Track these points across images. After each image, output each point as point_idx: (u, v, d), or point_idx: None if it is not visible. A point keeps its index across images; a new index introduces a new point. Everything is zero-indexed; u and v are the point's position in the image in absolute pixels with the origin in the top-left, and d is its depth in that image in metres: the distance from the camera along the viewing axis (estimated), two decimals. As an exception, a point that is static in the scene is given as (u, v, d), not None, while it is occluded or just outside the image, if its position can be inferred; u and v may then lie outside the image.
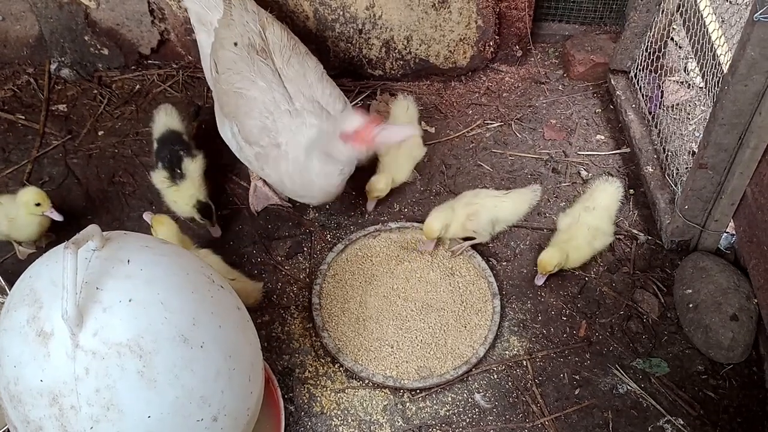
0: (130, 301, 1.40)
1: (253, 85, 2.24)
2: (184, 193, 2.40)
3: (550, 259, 2.27)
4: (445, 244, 2.45)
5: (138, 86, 3.06)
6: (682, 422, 2.05)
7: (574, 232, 2.34)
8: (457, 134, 2.89)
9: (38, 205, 2.27)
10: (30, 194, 2.27)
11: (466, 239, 2.44)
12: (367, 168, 2.60)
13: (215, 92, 2.44)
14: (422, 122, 2.78)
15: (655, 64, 2.81)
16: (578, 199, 2.48)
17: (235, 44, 2.30)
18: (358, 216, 2.61)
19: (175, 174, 2.41)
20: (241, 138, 2.30)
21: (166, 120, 2.55)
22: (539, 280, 2.33)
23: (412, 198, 2.65)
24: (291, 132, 2.19)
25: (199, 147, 2.55)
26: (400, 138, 2.06)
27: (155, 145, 2.51)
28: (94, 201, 2.63)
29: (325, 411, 2.08)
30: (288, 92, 2.24)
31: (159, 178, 2.44)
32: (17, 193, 2.30)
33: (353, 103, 2.97)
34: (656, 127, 2.76)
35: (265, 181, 2.52)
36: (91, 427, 1.38)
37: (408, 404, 2.11)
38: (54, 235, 2.42)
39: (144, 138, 2.85)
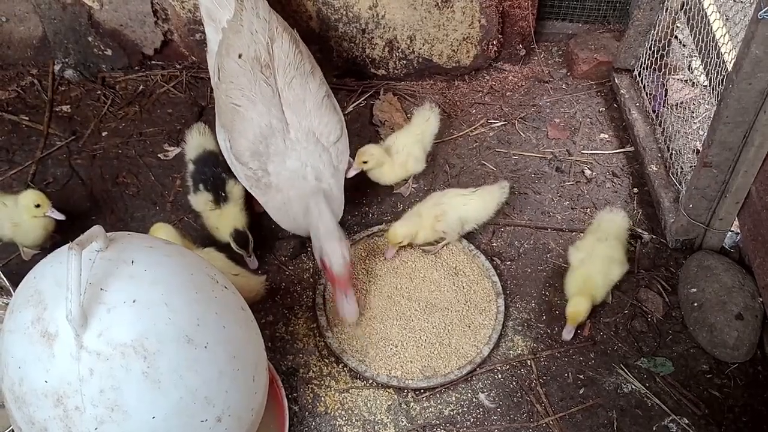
0: (134, 301, 1.40)
1: (252, 106, 2.21)
2: (227, 216, 2.33)
3: (579, 308, 2.17)
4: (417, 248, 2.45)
5: (141, 87, 3.06)
6: (687, 421, 2.05)
7: (589, 265, 2.25)
8: (461, 133, 2.89)
9: (38, 206, 2.27)
10: (29, 197, 2.27)
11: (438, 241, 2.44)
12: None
13: (216, 95, 2.43)
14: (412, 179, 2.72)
15: (659, 63, 2.81)
16: (586, 231, 2.40)
17: (240, 56, 2.27)
18: (361, 216, 2.60)
19: (220, 197, 2.35)
20: (233, 154, 2.29)
21: (201, 140, 2.46)
22: (568, 334, 2.22)
23: (416, 197, 2.65)
24: (282, 162, 2.21)
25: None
26: (350, 320, 2.14)
27: (191, 167, 2.43)
28: (98, 202, 2.63)
29: (329, 411, 2.09)
30: (285, 119, 2.23)
31: (201, 201, 2.36)
32: (18, 195, 2.31)
33: (355, 103, 2.97)
34: (660, 126, 2.76)
35: None
36: (96, 428, 1.38)
37: (412, 404, 2.11)
38: (59, 236, 2.42)
39: (147, 138, 2.85)
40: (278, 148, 2.20)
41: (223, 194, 2.36)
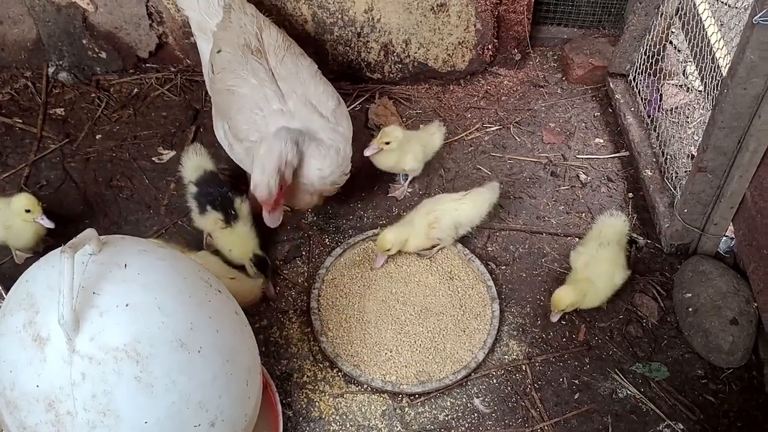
0: (126, 305, 1.39)
1: (245, 83, 2.25)
2: (239, 235, 2.31)
3: (564, 296, 2.18)
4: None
5: (136, 90, 3.05)
6: (682, 427, 2.05)
7: (593, 269, 2.24)
8: (456, 138, 2.89)
9: (28, 211, 2.25)
10: (20, 201, 2.26)
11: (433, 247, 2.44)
12: (363, 171, 2.60)
13: (212, 94, 2.45)
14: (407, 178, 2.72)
15: (653, 68, 2.81)
16: (587, 236, 2.39)
17: (219, 51, 2.34)
18: (356, 220, 2.60)
19: (230, 215, 2.32)
20: (232, 135, 2.30)
21: (200, 161, 2.43)
22: (554, 317, 2.26)
23: (411, 201, 2.65)
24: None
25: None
26: (273, 224, 2.21)
27: (192, 189, 2.40)
28: (92, 205, 2.62)
29: (323, 416, 2.08)
30: (281, 90, 2.24)
31: (211, 220, 2.33)
32: (11, 199, 2.29)
33: (351, 107, 2.97)
34: (655, 131, 2.76)
35: None
36: (88, 433, 1.37)
37: (407, 409, 2.10)
38: (51, 239, 2.41)
39: (142, 142, 2.84)
40: (276, 120, 2.20)
41: (232, 212, 2.34)
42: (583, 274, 2.24)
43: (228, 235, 2.32)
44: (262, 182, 2.07)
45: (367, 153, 2.50)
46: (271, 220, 2.19)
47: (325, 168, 2.20)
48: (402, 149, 2.55)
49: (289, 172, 2.12)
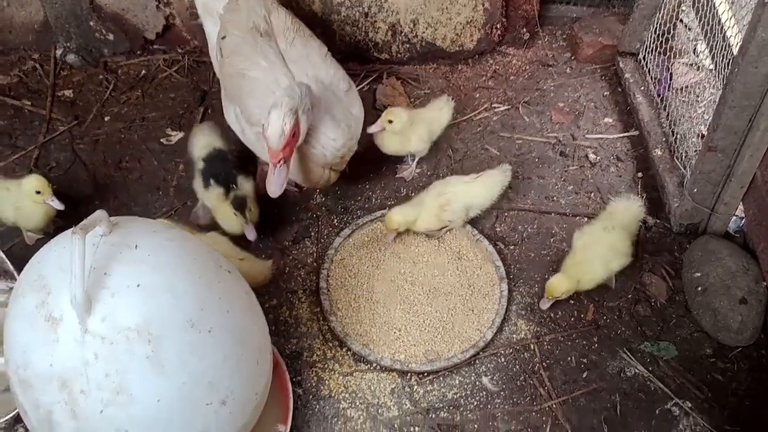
0: (138, 286, 1.40)
1: (256, 66, 2.23)
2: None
3: (558, 285, 2.17)
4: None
5: (144, 71, 3.05)
6: (689, 405, 2.05)
7: (590, 251, 2.22)
8: (464, 118, 2.87)
9: (39, 192, 2.27)
10: (31, 182, 2.27)
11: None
12: (371, 152, 2.60)
13: (221, 78, 2.43)
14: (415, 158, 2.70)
15: (664, 47, 2.78)
16: (597, 216, 2.37)
17: (224, 38, 2.31)
18: (365, 200, 2.60)
19: (231, 189, 2.34)
20: (243, 119, 2.29)
21: (209, 140, 2.46)
22: (544, 304, 2.25)
23: (419, 182, 2.64)
24: None
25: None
26: (272, 193, 2.07)
27: (200, 165, 2.42)
28: (101, 187, 2.63)
29: (333, 394, 2.09)
30: (291, 72, 2.23)
31: (213, 195, 2.35)
32: (22, 180, 2.30)
33: (358, 88, 2.96)
34: (665, 110, 2.74)
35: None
36: (101, 411, 1.39)
37: (416, 387, 2.11)
38: (61, 221, 2.42)
39: (150, 123, 2.84)
40: None
41: (234, 186, 2.35)
42: (581, 255, 2.22)
43: (226, 207, 2.33)
44: (276, 119, 1.97)
45: (371, 130, 2.49)
46: (275, 179, 2.02)
47: (338, 138, 2.19)
48: (404, 134, 2.54)
49: (304, 124, 2.04)
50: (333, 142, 2.19)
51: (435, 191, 2.40)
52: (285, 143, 1.99)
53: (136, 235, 1.48)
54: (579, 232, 2.31)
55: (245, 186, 2.37)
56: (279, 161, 2.02)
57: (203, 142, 2.47)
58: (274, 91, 2.18)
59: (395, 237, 2.40)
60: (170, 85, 3.00)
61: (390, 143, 2.56)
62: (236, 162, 2.44)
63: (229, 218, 2.32)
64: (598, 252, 2.22)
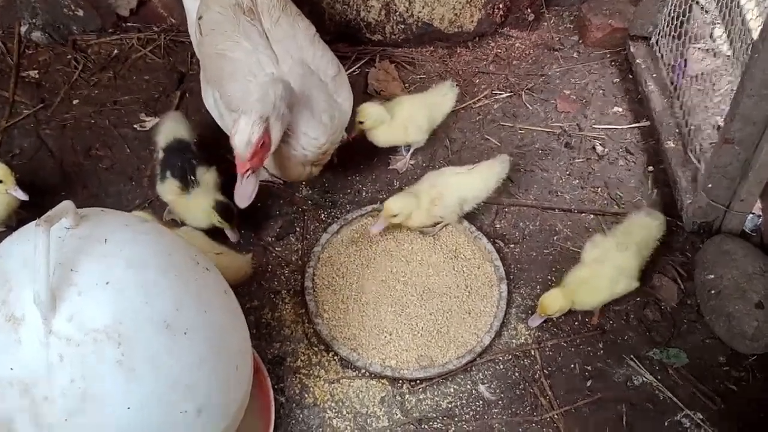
0: (107, 283, 1.39)
1: (237, 47, 2.22)
2: (196, 201, 2.31)
3: (552, 302, 2.14)
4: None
5: (116, 51, 3.03)
6: (701, 416, 2.06)
7: (600, 270, 2.19)
8: (463, 105, 2.87)
9: (0, 182, 2.25)
10: None
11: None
12: (362, 143, 2.59)
13: (200, 58, 2.43)
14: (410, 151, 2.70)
15: (678, 30, 2.79)
16: (613, 229, 2.33)
17: (200, 18, 2.31)
18: (354, 194, 2.60)
19: (189, 182, 2.33)
20: (223, 104, 2.28)
21: (174, 128, 2.46)
22: (534, 321, 2.22)
23: (414, 174, 2.64)
24: None
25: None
26: (240, 203, 2.07)
27: (161, 155, 2.43)
28: (69, 175, 2.62)
29: (318, 402, 2.09)
30: (275, 54, 2.22)
31: (169, 188, 2.35)
32: None
33: (349, 71, 2.95)
34: (679, 99, 2.75)
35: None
36: (66, 420, 1.38)
37: (407, 396, 2.11)
38: (25, 212, 2.41)
39: (123, 108, 2.83)
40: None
41: (192, 179, 2.34)
42: (589, 271, 2.19)
43: (185, 204, 2.33)
44: (244, 127, 1.95)
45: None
46: (243, 189, 2.02)
47: (320, 136, 2.19)
48: (399, 123, 2.53)
49: (277, 132, 2.02)
50: (314, 141, 2.18)
51: (427, 183, 2.40)
52: (252, 153, 1.98)
53: (106, 228, 1.47)
54: (591, 244, 2.26)
55: (205, 177, 2.37)
56: (246, 171, 2.01)
57: (166, 131, 2.47)
58: (256, 74, 2.17)
59: (385, 231, 2.39)
60: (145, 67, 2.99)
61: (381, 136, 2.56)
62: (198, 152, 2.43)
63: (190, 211, 2.32)
64: (606, 272, 2.18)
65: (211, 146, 2.52)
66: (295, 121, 2.12)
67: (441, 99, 2.64)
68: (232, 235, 2.36)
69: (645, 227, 2.29)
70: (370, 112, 2.49)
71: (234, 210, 2.29)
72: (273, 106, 1.99)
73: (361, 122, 2.50)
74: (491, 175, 2.43)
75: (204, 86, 2.44)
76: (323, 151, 2.24)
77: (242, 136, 1.95)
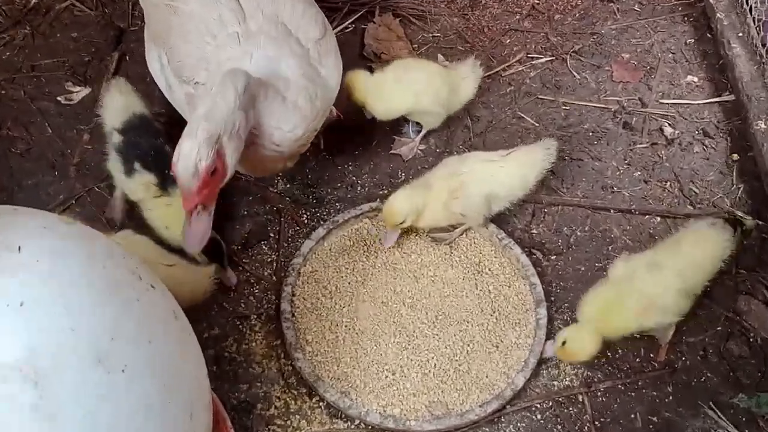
0: (21, 305, 1.39)
1: None
2: (178, 207, 2.22)
3: (575, 346, 2.13)
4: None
5: (34, 0, 3.03)
6: (801, 483, 2.07)
7: (621, 291, 2.17)
8: (489, 73, 2.88)
9: None
10: None
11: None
12: (356, 120, 2.60)
13: (143, 6, 2.42)
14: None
15: (772, -25, 2.79)
16: (661, 243, 2.30)
17: None
18: (346, 188, 2.60)
19: (167, 178, 2.31)
20: (171, 72, 2.27)
21: (126, 101, 2.44)
22: (548, 352, 2.22)
23: (423, 164, 2.65)
24: (236, 65, 2.16)
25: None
26: (190, 249, 2.08)
27: (116, 138, 2.40)
28: (-28, 163, 2.63)
29: (297, 463, 2.10)
30: (241, 7, 2.21)
31: (139, 185, 2.34)
32: None
33: (341, 28, 2.95)
34: (773, 66, 2.75)
35: None
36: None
37: (415, 454, 2.12)
38: None
39: (43, 75, 2.84)
40: (233, 50, 2.17)
41: (170, 173, 2.32)
42: (613, 292, 2.18)
43: (165, 207, 2.32)
44: (188, 153, 1.92)
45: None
46: (193, 230, 2.01)
47: (298, 126, 2.17)
48: (403, 85, 2.53)
49: (232, 151, 1.99)
50: (290, 135, 2.16)
51: (446, 170, 2.39)
52: (201, 185, 1.94)
53: (19, 232, 1.47)
54: (622, 260, 2.24)
55: None
56: (195, 208, 1.98)
57: (119, 104, 2.44)
58: (215, 34, 2.16)
59: (397, 238, 2.40)
60: (73, 21, 2.99)
61: (380, 104, 2.55)
62: (168, 133, 2.41)
63: (166, 220, 2.31)
64: (628, 298, 2.14)
65: (174, 126, 2.51)
66: (262, 114, 2.10)
67: (460, 83, 2.64)
68: (227, 278, 2.34)
69: (701, 243, 2.24)
70: (360, 80, 2.51)
71: (223, 246, 2.28)
72: (225, 121, 1.95)
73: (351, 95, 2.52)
74: (532, 164, 2.42)
75: (148, 46, 2.43)
76: (303, 142, 2.24)
77: (186, 165, 1.91)
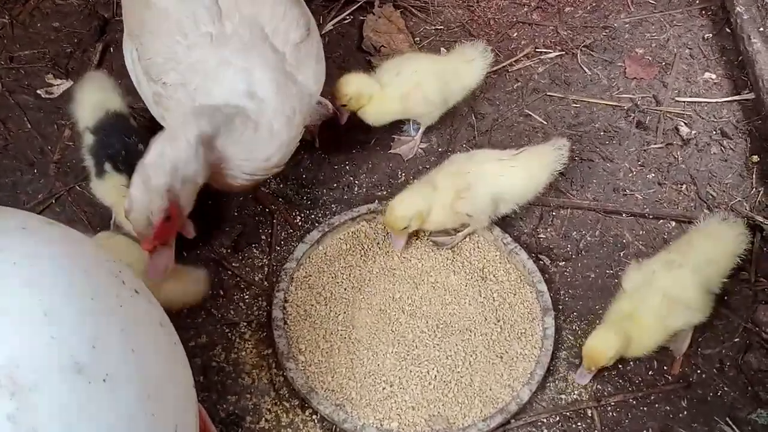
0: (-3, 310, 1.39)
1: None
2: None
3: (603, 349, 2.12)
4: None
5: (13, -13, 3.05)
6: (822, 504, 2.07)
7: (641, 299, 2.18)
8: (495, 68, 2.88)
9: None
10: None
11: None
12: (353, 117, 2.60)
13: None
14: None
15: (795, -33, 2.80)
16: (673, 244, 2.32)
17: None
18: (342, 189, 2.60)
19: None
20: (140, 68, 2.27)
21: (102, 97, 2.44)
22: (583, 379, 2.22)
23: (425, 163, 2.65)
24: (206, 70, 2.16)
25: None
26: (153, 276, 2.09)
27: (90, 139, 2.41)
28: (-54, 160, 2.63)
29: (289, 480, 2.10)
30: (218, 5, 2.20)
31: (112, 187, 2.35)
32: None
33: (339, 19, 2.96)
34: (795, 62, 2.76)
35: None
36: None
37: (414, 471, 2.12)
38: None
39: (23, 67, 2.84)
40: (204, 52, 2.18)
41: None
42: (630, 303, 2.18)
43: None
44: (139, 202, 1.95)
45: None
46: (155, 263, 2.06)
47: (273, 154, 2.16)
48: (391, 91, 2.54)
49: (187, 193, 2.03)
50: (264, 163, 2.17)
51: (453, 168, 2.40)
52: (157, 231, 1.99)
53: (-4, 233, 1.47)
54: (633, 268, 2.25)
55: None
56: (153, 248, 2.03)
57: (92, 100, 2.44)
58: (187, 33, 2.16)
59: (386, 241, 2.40)
60: (53, 10, 3.00)
61: (371, 111, 2.56)
62: (141, 132, 2.41)
63: None
64: (651, 302, 2.16)
65: (156, 122, 2.52)
66: (229, 148, 2.10)
67: (464, 67, 2.63)
68: (186, 229, 2.32)
69: (713, 238, 2.27)
70: (347, 93, 2.50)
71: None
72: (176, 170, 1.97)
73: (343, 105, 2.52)
74: (542, 165, 2.42)
75: (125, 38, 2.42)
76: (281, 167, 2.23)
77: (139, 216, 1.96)
